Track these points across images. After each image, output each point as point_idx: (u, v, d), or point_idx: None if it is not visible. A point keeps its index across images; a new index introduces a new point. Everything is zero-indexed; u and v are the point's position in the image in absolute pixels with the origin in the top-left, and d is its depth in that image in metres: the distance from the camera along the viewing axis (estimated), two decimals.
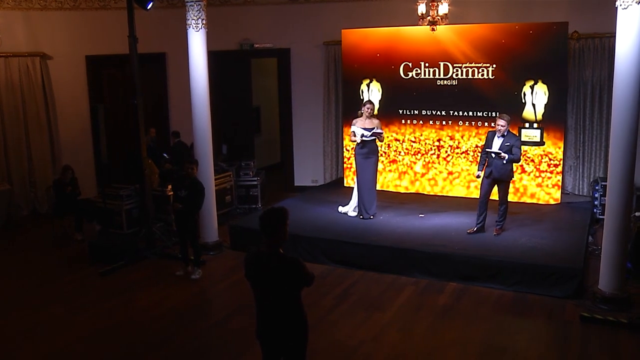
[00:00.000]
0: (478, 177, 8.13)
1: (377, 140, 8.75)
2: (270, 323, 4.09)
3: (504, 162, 7.71)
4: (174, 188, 7.95)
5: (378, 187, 9.26)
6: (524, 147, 9.44)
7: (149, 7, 8.29)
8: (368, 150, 8.74)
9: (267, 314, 4.09)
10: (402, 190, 10.52)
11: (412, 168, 10.43)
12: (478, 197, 9.35)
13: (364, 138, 8.61)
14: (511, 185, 9.37)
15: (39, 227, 10.31)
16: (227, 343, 6.02)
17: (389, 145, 10.41)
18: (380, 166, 9.48)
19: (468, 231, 8.08)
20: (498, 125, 7.78)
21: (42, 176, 11.09)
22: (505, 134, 7.79)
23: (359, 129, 8.67)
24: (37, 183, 11.10)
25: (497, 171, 7.83)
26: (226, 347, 5.96)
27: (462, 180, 10.08)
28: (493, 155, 7.78)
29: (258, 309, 4.14)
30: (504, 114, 7.91)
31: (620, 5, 6.06)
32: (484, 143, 8.25)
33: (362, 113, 8.74)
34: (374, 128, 8.64)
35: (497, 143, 7.83)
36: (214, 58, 9.07)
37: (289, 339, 4.11)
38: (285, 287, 3.99)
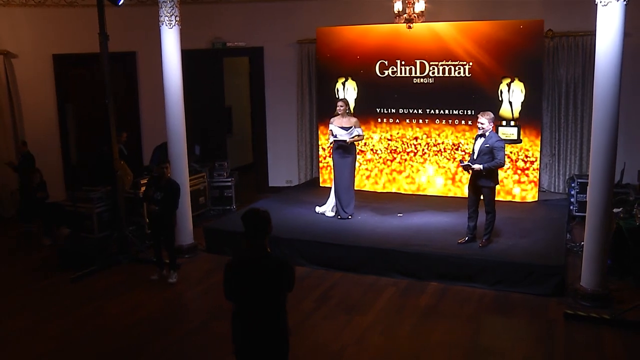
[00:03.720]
0: (465, 168, 7.46)
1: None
2: (255, 335, 3.82)
3: (482, 170, 7.23)
4: (147, 190, 7.71)
5: (355, 187, 9.15)
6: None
7: (120, 3, 8.04)
8: (344, 150, 8.62)
9: (253, 324, 3.81)
10: (379, 190, 10.44)
11: (388, 166, 10.36)
12: (455, 195, 9.47)
13: (336, 138, 8.50)
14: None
15: (4, 232, 9.93)
16: (207, 347, 5.83)
17: (365, 143, 10.31)
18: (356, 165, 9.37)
19: (459, 241, 7.61)
20: (478, 123, 7.36)
21: (7, 179, 10.69)
22: (487, 134, 7.30)
23: (335, 127, 8.57)
24: (2, 186, 10.70)
25: (477, 176, 7.38)
26: (207, 351, 5.77)
27: (439, 178, 10.03)
28: (468, 166, 7.37)
29: (243, 321, 3.84)
30: (486, 111, 7.42)
31: (600, 2, 6.04)
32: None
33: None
34: (351, 127, 8.54)
35: (478, 144, 7.36)
36: (186, 57, 8.82)
37: (274, 350, 3.88)
38: (276, 291, 3.79)
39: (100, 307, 6.87)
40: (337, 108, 8.63)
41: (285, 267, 3.81)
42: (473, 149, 7.53)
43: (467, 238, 7.62)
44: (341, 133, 8.52)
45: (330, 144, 8.68)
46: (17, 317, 6.62)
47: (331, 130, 8.62)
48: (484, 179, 7.34)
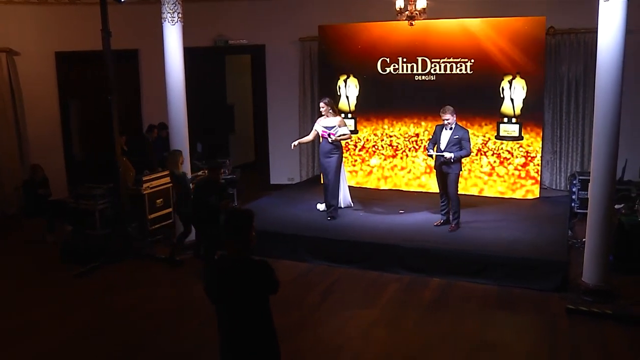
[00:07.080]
0: (430, 156, 8.07)
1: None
2: (237, 339, 3.63)
3: (452, 161, 7.69)
4: (204, 196, 7.48)
5: (354, 184, 9.14)
6: (504, 142, 9.51)
7: (122, 0, 8.06)
8: (329, 150, 8.57)
9: (234, 329, 3.63)
10: (381, 186, 10.47)
11: (390, 162, 10.38)
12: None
13: (325, 137, 8.50)
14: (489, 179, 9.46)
15: (7, 229, 9.95)
16: (215, 342, 5.83)
17: (367, 139, 10.33)
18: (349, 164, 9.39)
19: (435, 224, 8.19)
20: (444, 120, 7.80)
21: (10, 176, 10.72)
22: (454, 126, 7.78)
23: (320, 127, 8.57)
24: (5, 183, 10.74)
25: (445, 165, 7.84)
26: (214, 346, 5.77)
27: None
28: (441, 156, 7.79)
29: (224, 326, 3.66)
30: (447, 107, 7.82)
31: None
32: (431, 136, 8.25)
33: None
34: (334, 126, 8.49)
35: (445, 136, 7.82)
36: (188, 54, 8.84)
37: (260, 354, 3.68)
38: (255, 294, 3.60)
39: (104, 303, 6.88)
40: (320, 109, 8.66)
41: (264, 269, 3.62)
42: (438, 140, 7.90)
43: (441, 221, 8.17)
44: (324, 132, 8.50)
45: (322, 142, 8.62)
46: (22, 314, 6.62)
47: (315, 129, 8.65)
48: (453, 166, 7.81)
